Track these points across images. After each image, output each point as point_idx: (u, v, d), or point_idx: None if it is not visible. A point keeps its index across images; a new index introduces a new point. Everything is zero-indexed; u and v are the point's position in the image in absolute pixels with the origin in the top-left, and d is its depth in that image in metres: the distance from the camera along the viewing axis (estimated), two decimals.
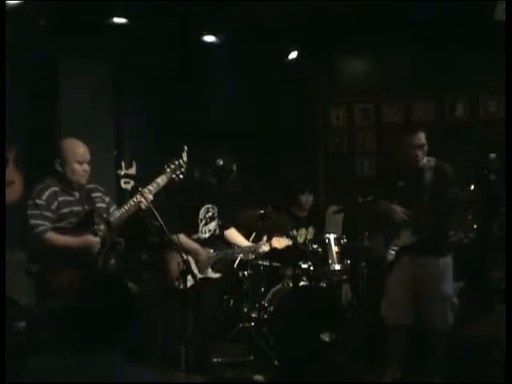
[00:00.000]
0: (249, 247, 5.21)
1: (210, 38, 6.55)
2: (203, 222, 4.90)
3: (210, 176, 4.85)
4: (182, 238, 4.68)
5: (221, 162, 4.78)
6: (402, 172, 4.75)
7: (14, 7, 5.14)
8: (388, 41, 6.90)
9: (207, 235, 4.94)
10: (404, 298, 4.70)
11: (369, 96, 7.39)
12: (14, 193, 5.49)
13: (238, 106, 7.39)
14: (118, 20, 5.82)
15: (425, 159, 4.69)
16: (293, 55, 7.02)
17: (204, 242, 4.89)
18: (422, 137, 4.63)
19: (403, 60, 6.96)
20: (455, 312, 4.73)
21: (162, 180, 4.31)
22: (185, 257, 4.27)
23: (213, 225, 4.95)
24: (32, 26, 5.65)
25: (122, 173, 4.30)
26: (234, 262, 5.52)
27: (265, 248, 5.20)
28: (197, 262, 4.82)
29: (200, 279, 4.80)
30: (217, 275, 5.01)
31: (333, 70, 7.50)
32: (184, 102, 7.20)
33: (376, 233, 5.00)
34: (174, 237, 4.21)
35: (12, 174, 5.61)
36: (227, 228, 5.13)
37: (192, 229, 4.83)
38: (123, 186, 5.31)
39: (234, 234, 5.24)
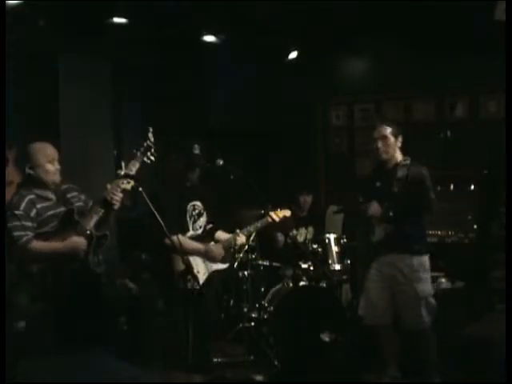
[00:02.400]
0: (228, 240, 5.13)
1: (209, 38, 6.55)
2: (192, 219, 4.88)
3: (192, 170, 4.84)
4: (185, 240, 4.67)
5: (220, 162, 4.78)
6: (379, 172, 4.84)
7: (14, 7, 5.15)
8: (388, 41, 6.89)
9: (198, 231, 4.91)
10: (381, 296, 4.72)
11: (369, 96, 7.40)
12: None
13: (238, 106, 7.39)
14: (117, 20, 5.83)
15: (400, 157, 4.74)
16: (293, 55, 7.02)
17: (199, 239, 4.87)
18: (382, 130, 4.72)
19: (403, 60, 6.96)
20: (434, 312, 4.71)
21: (133, 165, 4.28)
22: (185, 257, 4.29)
23: (202, 220, 4.93)
24: (32, 26, 5.65)
25: (122, 173, 4.28)
26: (238, 248, 5.42)
27: (241, 239, 5.11)
28: (212, 259, 4.82)
29: (211, 272, 4.81)
30: (225, 265, 4.99)
31: (333, 69, 7.50)
32: (184, 102, 7.20)
33: (359, 231, 5.03)
34: (175, 238, 4.22)
35: (12, 173, 5.60)
36: (216, 230, 5.09)
37: (184, 228, 4.81)
38: (123, 185, 5.30)
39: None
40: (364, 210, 4.76)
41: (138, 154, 4.36)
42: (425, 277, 4.70)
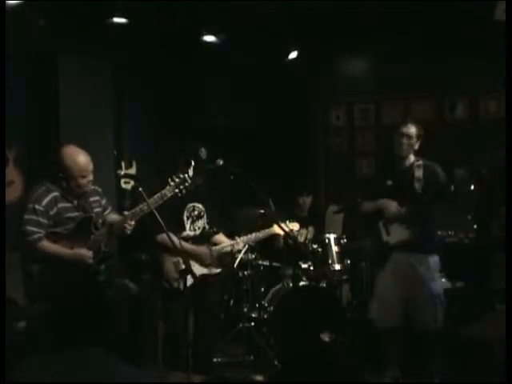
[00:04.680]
0: (225, 246, 5.07)
1: (209, 38, 6.55)
2: (190, 220, 4.86)
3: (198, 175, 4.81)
4: (176, 241, 4.62)
5: (220, 162, 4.77)
6: (392, 170, 4.81)
7: (14, 7, 5.15)
8: (388, 41, 6.89)
9: (196, 232, 4.89)
10: (396, 298, 4.70)
11: (369, 96, 7.40)
12: (13, 193, 5.49)
13: (238, 106, 7.38)
14: (117, 20, 5.83)
15: (413, 158, 4.73)
16: (293, 55, 7.02)
17: (194, 240, 4.85)
18: (410, 127, 4.71)
19: (403, 60, 6.95)
20: (444, 310, 4.71)
21: (164, 194, 4.18)
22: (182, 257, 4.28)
23: (201, 222, 4.91)
24: (32, 26, 5.65)
25: (122, 173, 4.27)
26: (235, 254, 5.39)
27: (239, 246, 5.10)
28: (202, 261, 4.79)
29: (200, 276, 4.77)
30: (218, 270, 4.98)
31: (333, 69, 7.50)
32: (184, 102, 7.20)
33: (365, 231, 5.00)
34: (168, 237, 4.18)
35: (12, 173, 5.61)
36: (217, 233, 5.06)
37: (178, 227, 4.77)
38: (123, 185, 5.30)
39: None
40: (372, 208, 4.74)
41: (172, 183, 4.19)
42: (438, 276, 4.75)
